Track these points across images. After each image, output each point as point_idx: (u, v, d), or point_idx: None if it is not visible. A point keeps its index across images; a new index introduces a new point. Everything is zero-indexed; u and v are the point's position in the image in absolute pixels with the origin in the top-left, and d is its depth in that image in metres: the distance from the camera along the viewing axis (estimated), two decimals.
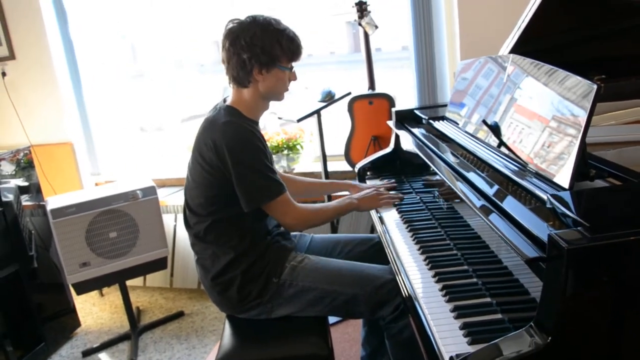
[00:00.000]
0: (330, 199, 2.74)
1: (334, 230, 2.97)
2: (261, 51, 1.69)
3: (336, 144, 3.16)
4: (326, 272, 1.79)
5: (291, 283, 1.78)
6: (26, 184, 2.85)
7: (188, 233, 1.88)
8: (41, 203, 2.91)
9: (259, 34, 1.69)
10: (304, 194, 2.28)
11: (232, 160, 1.68)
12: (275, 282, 1.78)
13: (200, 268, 1.87)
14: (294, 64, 1.82)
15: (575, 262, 0.90)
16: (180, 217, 3.35)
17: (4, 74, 3.57)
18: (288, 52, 1.75)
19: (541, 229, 1.05)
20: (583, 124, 1.16)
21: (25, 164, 2.86)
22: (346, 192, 2.16)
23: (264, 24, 1.71)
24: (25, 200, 2.82)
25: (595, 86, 1.17)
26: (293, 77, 1.84)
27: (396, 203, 1.98)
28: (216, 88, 3.88)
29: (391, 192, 2.05)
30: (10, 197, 2.67)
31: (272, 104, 1.89)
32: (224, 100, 1.85)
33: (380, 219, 1.93)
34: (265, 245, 1.81)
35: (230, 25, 1.74)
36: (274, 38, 1.71)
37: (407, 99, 3.18)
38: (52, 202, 2.71)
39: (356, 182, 2.21)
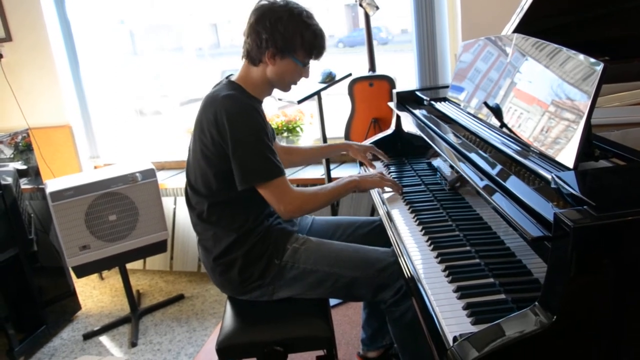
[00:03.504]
0: (329, 175, 2.74)
1: (335, 212, 2.96)
2: (280, 36, 1.65)
3: (336, 126, 3.15)
4: (328, 255, 1.77)
5: (293, 265, 1.77)
6: (25, 167, 2.84)
7: (190, 213, 1.86)
8: (40, 186, 2.90)
9: (285, 20, 1.65)
10: (303, 162, 2.31)
11: (230, 134, 1.63)
12: (277, 264, 1.77)
13: (202, 249, 1.86)
14: (311, 61, 1.78)
15: (581, 241, 0.90)
16: (180, 200, 3.35)
17: (0, 56, 3.53)
18: (307, 47, 1.70)
19: (546, 209, 1.05)
20: (589, 103, 1.15)
21: (23, 147, 2.84)
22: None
23: (293, 12, 1.67)
24: (24, 184, 2.81)
25: (601, 65, 1.16)
26: (305, 74, 1.79)
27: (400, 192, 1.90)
28: (214, 71, 3.85)
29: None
30: (9, 180, 2.66)
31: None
32: (227, 78, 1.82)
33: (382, 200, 1.93)
34: (267, 227, 1.79)
35: (263, 1, 1.69)
36: (298, 28, 1.66)
37: (407, 81, 3.16)
38: (51, 185, 2.70)
39: (352, 142, 2.23)
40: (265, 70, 1.73)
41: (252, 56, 1.72)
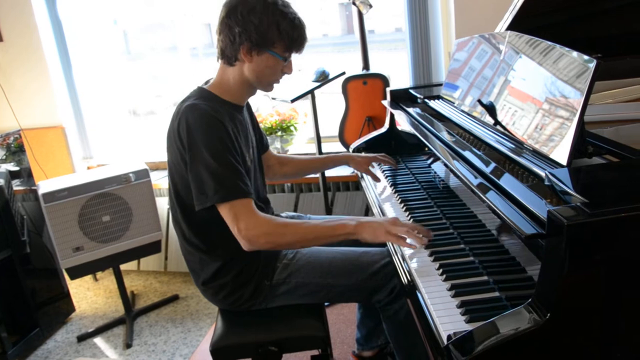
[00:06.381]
0: (325, 179, 2.73)
1: (329, 213, 2.96)
2: (255, 29, 1.51)
3: (330, 125, 3.14)
4: (319, 266, 1.71)
5: (284, 281, 1.70)
6: (17, 168, 2.82)
7: (175, 230, 1.75)
8: (33, 187, 2.88)
9: (258, 10, 1.51)
10: (300, 173, 2.17)
11: (188, 147, 1.52)
12: (268, 285, 1.70)
13: (190, 270, 1.78)
14: (293, 55, 1.63)
15: (575, 238, 0.89)
16: None
17: None
18: (286, 38, 1.55)
19: (540, 206, 1.04)
20: (582, 100, 1.15)
21: (15, 149, 2.82)
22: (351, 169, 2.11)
23: (267, 1, 1.52)
24: (17, 185, 2.79)
25: (594, 62, 1.16)
26: (287, 69, 1.65)
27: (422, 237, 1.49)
28: (208, 71, 3.84)
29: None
30: (1, 182, 2.64)
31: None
32: (205, 83, 1.70)
33: (377, 199, 1.92)
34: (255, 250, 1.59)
35: None
36: (273, 18, 1.52)
37: (400, 80, 3.16)
38: (44, 186, 2.68)
39: (353, 154, 2.11)
40: (242, 70, 1.60)
41: (227, 55, 1.58)
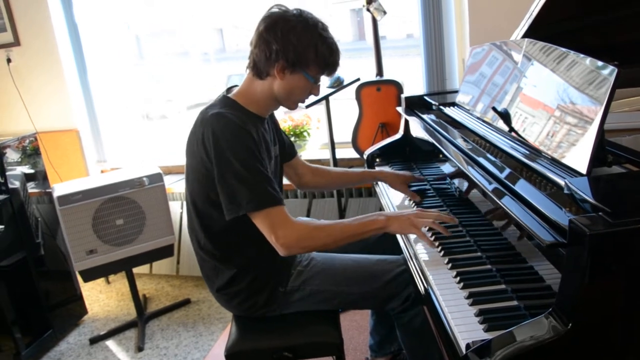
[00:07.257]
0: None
1: (342, 218, 2.95)
2: (293, 49, 1.51)
3: (343, 131, 3.14)
4: (333, 273, 1.71)
5: (299, 288, 1.70)
6: (32, 171, 2.84)
7: (191, 239, 1.76)
8: (47, 190, 2.91)
9: (299, 31, 1.51)
10: (331, 186, 2.14)
11: (215, 157, 1.51)
12: (282, 291, 1.70)
13: (204, 276, 1.78)
14: (322, 78, 1.65)
15: (597, 248, 0.89)
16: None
17: (9, 61, 3.55)
18: (321, 62, 1.56)
19: (559, 215, 1.04)
20: (602, 108, 1.14)
21: (31, 151, 2.85)
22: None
23: (308, 23, 1.53)
24: (32, 188, 2.81)
25: (615, 69, 1.15)
26: (315, 91, 1.66)
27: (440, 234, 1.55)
28: (220, 76, 3.86)
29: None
30: (16, 184, 2.66)
31: None
32: (227, 91, 1.69)
33: (393, 205, 1.92)
34: (269, 256, 1.62)
35: (275, 9, 1.56)
36: (312, 41, 1.53)
37: (413, 86, 3.16)
38: (59, 189, 2.70)
39: (391, 170, 2.05)
40: (272, 85, 1.60)
41: (259, 68, 1.58)
